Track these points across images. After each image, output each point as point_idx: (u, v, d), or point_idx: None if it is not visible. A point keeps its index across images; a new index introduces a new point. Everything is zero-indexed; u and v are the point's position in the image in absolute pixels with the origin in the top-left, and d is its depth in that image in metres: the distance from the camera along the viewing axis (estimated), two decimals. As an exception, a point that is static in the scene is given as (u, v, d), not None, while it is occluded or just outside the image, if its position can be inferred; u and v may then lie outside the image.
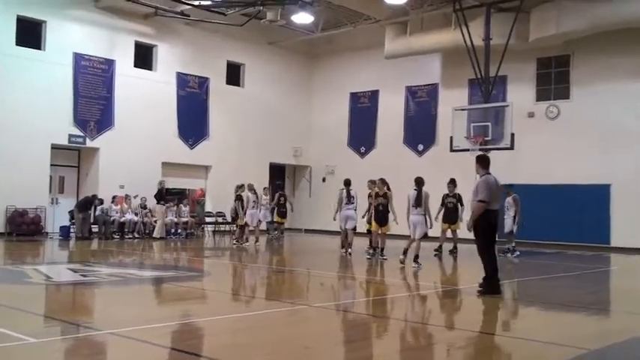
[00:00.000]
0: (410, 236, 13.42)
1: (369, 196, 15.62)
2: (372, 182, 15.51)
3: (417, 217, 13.20)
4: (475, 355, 5.88)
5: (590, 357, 5.73)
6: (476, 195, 9.15)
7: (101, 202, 20.14)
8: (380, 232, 14.76)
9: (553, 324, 7.57)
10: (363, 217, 15.92)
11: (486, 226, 9.15)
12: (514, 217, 16.44)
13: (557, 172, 20.93)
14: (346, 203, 15.78)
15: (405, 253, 13.23)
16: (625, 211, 19.83)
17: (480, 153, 9.61)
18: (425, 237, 13.48)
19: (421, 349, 6.05)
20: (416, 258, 12.97)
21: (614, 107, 20.26)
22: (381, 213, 14.65)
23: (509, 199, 16.46)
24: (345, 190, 15.89)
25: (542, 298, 9.63)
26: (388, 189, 14.87)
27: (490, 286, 9.19)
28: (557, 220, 20.49)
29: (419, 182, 13.47)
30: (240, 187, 19.13)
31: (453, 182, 16.99)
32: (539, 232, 19.92)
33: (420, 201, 13.19)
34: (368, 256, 14.98)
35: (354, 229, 15.81)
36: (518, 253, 16.18)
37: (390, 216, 14.74)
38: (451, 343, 6.34)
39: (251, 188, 19.18)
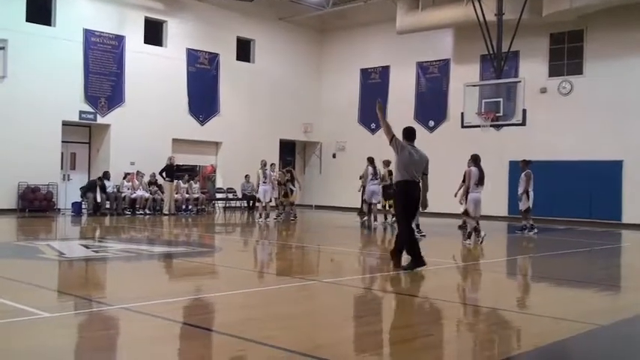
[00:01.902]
0: (469, 215, 13.10)
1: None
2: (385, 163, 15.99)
3: (480, 195, 12.99)
4: (486, 330, 5.89)
5: (601, 332, 5.73)
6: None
7: (105, 176, 20.15)
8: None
9: (564, 300, 7.57)
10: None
11: (401, 196, 9.08)
12: (524, 193, 16.16)
13: (569, 149, 20.82)
14: (371, 179, 16.23)
15: (478, 233, 12.81)
16: (637, 188, 19.72)
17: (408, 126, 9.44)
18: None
19: (431, 324, 6.06)
20: (469, 235, 12.92)
21: (628, 83, 20.06)
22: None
23: (522, 175, 16.27)
24: (370, 167, 16.40)
25: (553, 274, 9.62)
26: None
27: (398, 258, 9.15)
28: (569, 196, 20.42)
29: (477, 159, 13.09)
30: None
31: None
32: (550, 208, 19.86)
33: (482, 179, 12.91)
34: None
35: (378, 203, 16.28)
36: (536, 230, 16.07)
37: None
38: (461, 318, 6.36)
39: (264, 165, 19.20)
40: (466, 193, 13.18)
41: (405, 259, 9.16)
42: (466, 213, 13.23)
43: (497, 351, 5.23)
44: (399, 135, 9.18)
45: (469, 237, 12.81)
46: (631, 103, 20.00)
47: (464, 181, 14.04)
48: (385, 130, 9.13)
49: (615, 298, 7.99)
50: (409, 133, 9.27)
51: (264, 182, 18.98)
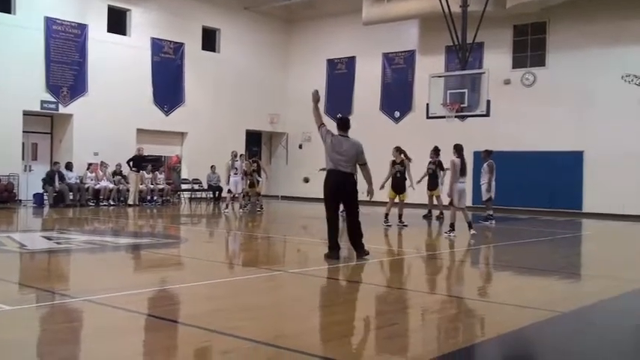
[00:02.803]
0: (453, 207, 13.03)
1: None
2: (397, 150, 15.42)
3: (464, 186, 13.00)
4: (450, 318, 5.96)
5: (562, 320, 5.84)
6: None
7: (68, 167, 19.89)
8: (397, 200, 14.96)
9: (526, 288, 7.69)
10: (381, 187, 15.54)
11: (324, 186, 9.12)
12: (487, 184, 16.37)
13: (531, 139, 21.14)
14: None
15: (452, 226, 12.78)
16: (597, 178, 20.14)
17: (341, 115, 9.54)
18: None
19: (395, 313, 6.11)
20: (471, 225, 12.91)
21: (589, 75, 20.42)
22: (398, 180, 14.86)
23: (484, 166, 16.47)
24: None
25: (515, 263, 9.77)
26: (406, 157, 15.06)
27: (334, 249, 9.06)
28: (531, 186, 20.76)
29: (460, 149, 12.98)
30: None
31: (435, 150, 17.20)
32: (513, 198, 20.17)
33: (464, 169, 12.89)
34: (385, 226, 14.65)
35: None
36: (493, 221, 16.19)
37: (407, 183, 15.09)
38: (426, 307, 6.43)
39: (235, 156, 19.19)
40: (451, 184, 13.04)
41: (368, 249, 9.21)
42: (451, 203, 13.17)
43: (462, 338, 5.30)
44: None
45: (452, 229, 12.81)
46: (591, 94, 20.37)
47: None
48: (315, 118, 9.34)
49: (576, 286, 8.16)
50: (341, 123, 9.32)
51: (235, 174, 18.95)
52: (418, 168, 17.44)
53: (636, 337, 5.63)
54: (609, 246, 13.33)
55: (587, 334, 5.40)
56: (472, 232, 12.76)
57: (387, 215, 14.80)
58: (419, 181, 16.39)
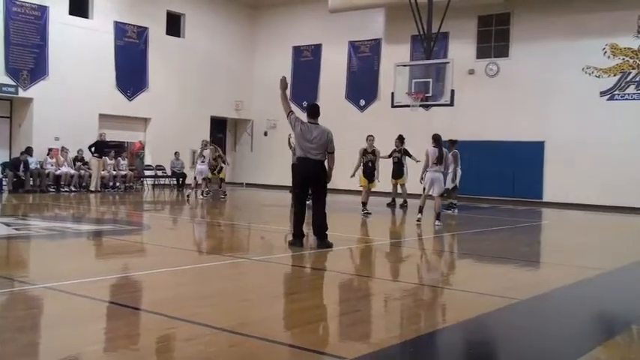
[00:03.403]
0: (423, 193, 13.22)
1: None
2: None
3: (437, 175, 12.98)
4: (412, 305, 6.05)
5: (520, 306, 5.98)
6: None
7: (28, 152, 19.50)
8: (367, 188, 15.07)
9: (487, 276, 7.83)
10: (352, 176, 15.53)
11: (296, 173, 9.19)
12: (453, 173, 16.46)
13: (494, 129, 21.41)
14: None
15: (420, 211, 12.98)
16: (557, 168, 20.52)
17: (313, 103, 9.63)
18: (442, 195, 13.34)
19: (358, 300, 6.17)
20: (438, 216, 12.86)
21: (551, 66, 20.74)
22: (369, 169, 15.04)
23: (449, 155, 16.57)
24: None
25: (476, 251, 9.92)
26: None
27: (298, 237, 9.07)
28: (493, 175, 21.04)
29: (438, 139, 13.07)
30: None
31: (399, 138, 17.35)
32: (476, 187, 20.42)
33: (441, 158, 12.95)
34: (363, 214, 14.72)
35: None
36: (455, 211, 16.28)
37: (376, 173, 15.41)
38: (389, 294, 6.50)
39: (205, 145, 19.61)
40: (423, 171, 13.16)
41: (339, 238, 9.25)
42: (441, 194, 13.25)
43: (424, 325, 5.38)
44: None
45: (438, 218, 12.83)
46: (552, 86, 20.69)
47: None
48: (283, 105, 9.35)
49: (534, 274, 8.33)
50: (310, 110, 9.33)
51: (202, 162, 19.13)
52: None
53: (591, 324, 5.79)
54: (567, 235, 13.62)
55: (543, 321, 5.53)
56: (437, 223, 12.77)
57: (364, 204, 14.84)
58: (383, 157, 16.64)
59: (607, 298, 6.83)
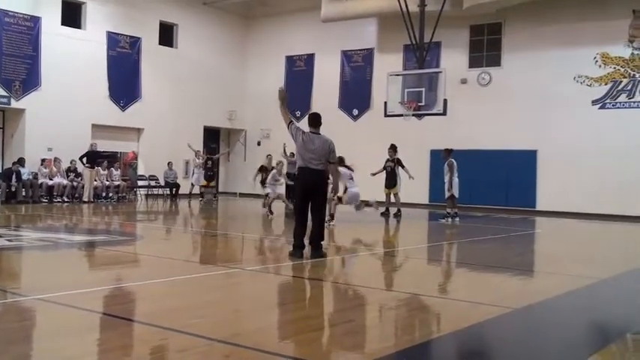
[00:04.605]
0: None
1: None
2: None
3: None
4: (406, 315, 6.04)
5: (514, 316, 5.97)
6: None
7: (20, 162, 19.41)
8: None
9: (481, 285, 7.83)
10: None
11: (296, 183, 9.18)
12: (448, 182, 16.37)
13: (487, 138, 21.48)
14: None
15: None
16: (550, 176, 20.58)
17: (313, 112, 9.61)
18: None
19: (352, 310, 6.16)
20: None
21: (543, 75, 20.85)
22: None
23: (445, 165, 16.56)
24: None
25: (469, 260, 9.92)
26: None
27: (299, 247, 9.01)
28: (487, 184, 21.08)
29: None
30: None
31: (392, 147, 17.40)
32: (469, 196, 20.40)
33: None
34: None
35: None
36: (448, 220, 16.33)
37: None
38: (383, 304, 6.49)
39: (199, 153, 22.00)
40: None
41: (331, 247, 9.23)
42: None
43: (418, 334, 5.37)
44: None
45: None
46: (544, 94, 20.79)
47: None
48: (283, 116, 9.22)
49: (528, 283, 8.33)
50: (312, 120, 9.25)
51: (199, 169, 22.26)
52: (376, 166, 17.71)
53: (585, 333, 5.79)
54: (561, 243, 13.62)
55: (537, 330, 5.52)
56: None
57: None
58: (374, 174, 17.36)
59: (601, 307, 6.83)
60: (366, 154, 19.65)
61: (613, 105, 19.99)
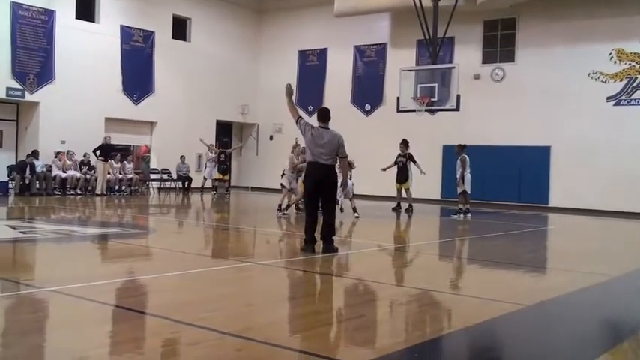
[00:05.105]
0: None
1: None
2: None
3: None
4: (417, 310, 6.03)
5: (526, 312, 5.95)
6: None
7: (34, 155, 19.52)
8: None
9: (493, 281, 7.81)
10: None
11: (306, 178, 9.17)
12: (460, 178, 16.34)
13: (500, 134, 21.38)
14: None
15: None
16: (563, 173, 20.47)
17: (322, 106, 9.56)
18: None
19: (363, 305, 6.16)
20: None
21: (557, 71, 20.71)
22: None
23: (457, 160, 16.52)
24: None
25: (481, 256, 9.90)
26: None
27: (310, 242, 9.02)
28: (499, 180, 21.00)
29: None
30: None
31: (404, 143, 17.38)
32: (481, 192, 20.35)
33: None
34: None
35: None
36: (460, 216, 16.29)
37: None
38: (394, 299, 6.48)
39: (212, 147, 22.59)
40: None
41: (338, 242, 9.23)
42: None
43: (429, 330, 5.36)
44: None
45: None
46: (558, 90, 20.66)
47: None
48: (291, 112, 9.26)
49: (540, 279, 8.30)
50: (321, 114, 9.22)
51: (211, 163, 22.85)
52: (388, 161, 17.71)
53: (597, 330, 5.76)
54: (573, 240, 13.56)
55: (549, 327, 5.51)
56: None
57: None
58: (385, 169, 17.60)
59: (614, 304, 6.80)
60: (378, 150, 19.66)
61: (628, 102, 19.83)
